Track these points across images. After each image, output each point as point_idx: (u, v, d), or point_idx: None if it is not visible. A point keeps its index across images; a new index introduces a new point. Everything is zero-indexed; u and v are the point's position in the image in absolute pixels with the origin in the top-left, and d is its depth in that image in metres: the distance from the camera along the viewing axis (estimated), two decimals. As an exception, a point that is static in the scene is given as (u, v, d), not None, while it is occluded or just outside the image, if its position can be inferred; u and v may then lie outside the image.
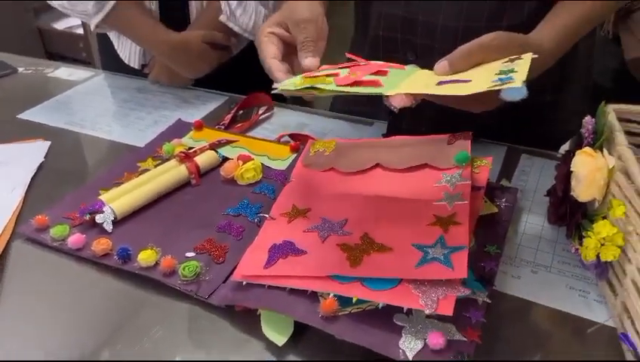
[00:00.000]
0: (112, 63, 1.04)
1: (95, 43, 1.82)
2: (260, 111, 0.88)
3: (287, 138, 0.80)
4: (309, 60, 0.60)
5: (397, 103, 0.49)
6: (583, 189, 0.53)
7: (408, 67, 0.60)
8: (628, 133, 0.55)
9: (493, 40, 0.54)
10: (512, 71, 0.48)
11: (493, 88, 0.45)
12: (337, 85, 0.51)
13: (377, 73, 0.55)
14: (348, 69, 0.56)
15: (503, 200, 0.64)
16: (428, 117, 0.78)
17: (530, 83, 0.45)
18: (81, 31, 1.72)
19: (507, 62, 0.52)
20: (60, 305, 0.54)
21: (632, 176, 0.47)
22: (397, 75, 0.56)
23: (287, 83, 0.57)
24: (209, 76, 0.94)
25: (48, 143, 0.81)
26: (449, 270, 0.48)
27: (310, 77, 0.55)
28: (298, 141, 0.77)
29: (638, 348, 0.45)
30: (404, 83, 0.54)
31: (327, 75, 0.54)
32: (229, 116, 0.85)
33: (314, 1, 0.65)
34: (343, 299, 0.49)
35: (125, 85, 1.00)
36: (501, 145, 0.77)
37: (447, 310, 0.45)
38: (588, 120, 0.56)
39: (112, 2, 0.86)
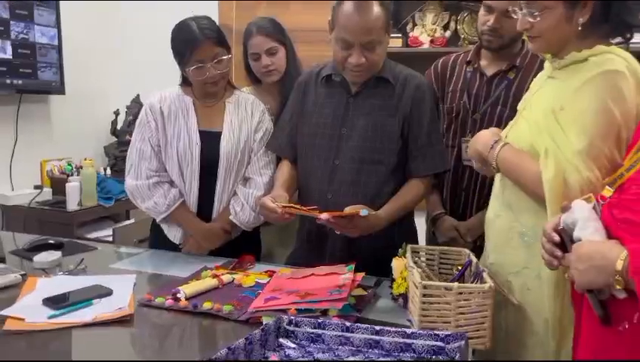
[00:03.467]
0: (157, 242, 1.77)
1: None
2: (247, 265, 1.62)
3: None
4: (280, 209, 1.41)
5: (323, 218, 1.29)
6: (397, 274, 1.29)
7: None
8: (415, 256, 1.34)
9: (358, 205, 1.37)
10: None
11: (358, 211, 1.27)
12: (300, 207, 1.32)
13: (313, 211, 1.36)
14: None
15: (370, 291, 1.38)
16: (339, 259, 1.55)
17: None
18: (110, 238, 2.46)
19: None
20: (162, 331, 1.20)
21: (408, 262, 1.25)
22: None
23: (277, 207, 1.37)
24: (219, 248, 1.70)
25: (134, 275, 1.49)
26: (337, 295, 1.20)
27: (289, 204, 1.36)
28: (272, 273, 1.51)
29: (413, 321, 1.16)
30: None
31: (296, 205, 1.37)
32: (231, 267, 1.58)
33: (285, 190, 1.52)
34: (299, 309, 1.18)
35: (165, 255, 1.72)
36: (376, 277, 1.53)
37: (339, 306, 1.16)
38: (400, 250, 1.36)
39: (174, 206, 1.66)
